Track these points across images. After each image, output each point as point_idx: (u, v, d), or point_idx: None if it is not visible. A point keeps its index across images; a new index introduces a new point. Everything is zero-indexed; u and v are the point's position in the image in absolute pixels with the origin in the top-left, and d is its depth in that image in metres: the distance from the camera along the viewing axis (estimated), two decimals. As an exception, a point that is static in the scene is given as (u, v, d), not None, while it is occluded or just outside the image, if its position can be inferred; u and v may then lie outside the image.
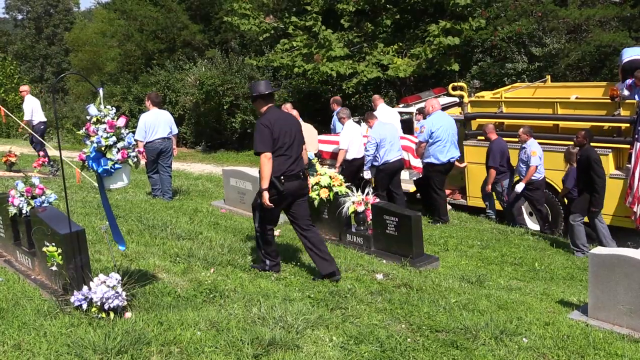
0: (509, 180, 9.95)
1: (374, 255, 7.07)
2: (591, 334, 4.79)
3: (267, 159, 5.49)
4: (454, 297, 5.52)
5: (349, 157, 10.03)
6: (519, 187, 9.52)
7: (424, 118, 10.11)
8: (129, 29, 29.86)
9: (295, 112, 9.93)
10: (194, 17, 30.64)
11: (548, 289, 6.48)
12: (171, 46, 29.23)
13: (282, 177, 5.58)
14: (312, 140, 10.06)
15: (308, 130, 9.97)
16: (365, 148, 9.74)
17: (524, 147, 9.45)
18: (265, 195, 5.52)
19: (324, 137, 11.47)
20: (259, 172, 5.66)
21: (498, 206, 10.27)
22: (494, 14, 17.74)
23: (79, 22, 57.11)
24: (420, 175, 10.40)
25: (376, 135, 9.55)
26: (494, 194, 10.22)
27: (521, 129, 9.55)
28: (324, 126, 21.68)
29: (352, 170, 9.97)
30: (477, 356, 4.23)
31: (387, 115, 10.95)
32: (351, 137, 10.03)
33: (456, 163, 10.07)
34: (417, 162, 10.44)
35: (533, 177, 9.41)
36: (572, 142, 9.40)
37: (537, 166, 9.35)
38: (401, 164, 9.93)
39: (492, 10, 17.74)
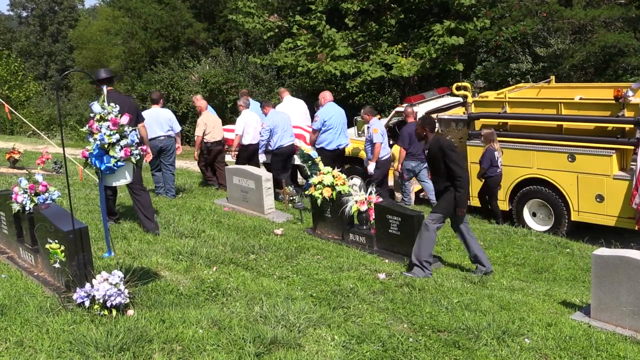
0: (416, 164, 10.55)
1: (376, 254, 7.07)
2: (593, 335, 4.78)
3: None
4: (456, 297, 5.51)
5: (245, 142, 10.86)
6: (371, 168, 10.02)
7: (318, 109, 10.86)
8: (133, 27, 29.92)
9: (202, 103, 11.23)
10: (198, 15, 30.70)
11: (551, 290, 6.47)
12: (175, 44, 29.28)
13: None
14: (218, 129, 11.07)
15: (213, 119, 11.14)
16: (260, 134, 10.67)
17: (368, 127, 10.05)
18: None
19: (227, 126, 12.26)
20: None
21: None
22: (498, 14, 17.71)
23: (83, 20, 57.32)
24: None
25: (269, 122, 10.50)
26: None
27: (362, 109, 10.32)
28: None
29: (246, 155, 10.93)
30: (479, 356, 4.22)
31: (292, 105, 11.78)
32: (245, 125, 10.83)
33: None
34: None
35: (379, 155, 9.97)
36: (575, 143, 9.41)
37: (381, 143, 9.86)
38: (293, 149, 10.72)
39: (496, 10, 17.72)
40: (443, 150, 6.46)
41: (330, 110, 10.38)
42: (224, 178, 10.70)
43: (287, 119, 10.73)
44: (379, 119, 12.43)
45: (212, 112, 11.75)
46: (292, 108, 11.51)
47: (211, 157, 11.06)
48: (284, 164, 10.65)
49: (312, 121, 11.22)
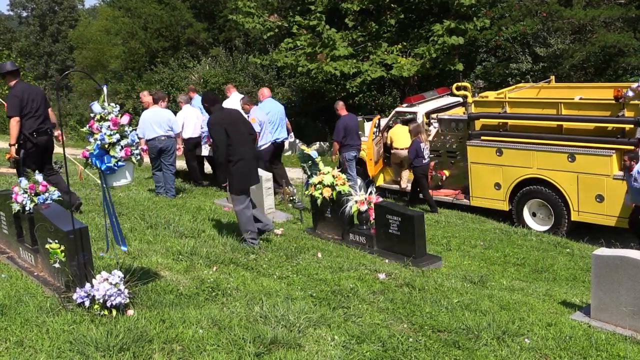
0: (356, 154, 11.05)
1: (376, 254, 7.07)
2: (593, 335, 4.78)
3: (15, 122, 7.03)
4: (456, 297, 5.51)
5: (185, 136, 11.17)
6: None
7: (256, 105, 11.12)
8: (133, 27, 29.93)
9: (148, 99, 10.65)
10: (198, 15, 30.71)
11: (551, 290, 6.47)
12: (175, 44, 29.30)
13: (34, 133, 7.09)
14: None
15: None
16: (202, 126, 11.04)
17: (248, 116, 10.04)
18: (13, 149, 7.10)
19: None
20: (10, 132, 7.15)
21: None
22: (498, 13, 17.72)
23: (83, 20, 57.31)
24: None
25: None
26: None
27: (241, 99, 10.66)
28: (328, 124, 21.67)
29: (188, 148, 11.39)
30: (479, 356, 4.22)
31: (237, 101, 11.96)
32: (185, 119, 11.25)
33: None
34: None
35: (262, 144, 10.13)
36: (575, 143, 9.41)
37: (259, 132, 9.93)
38: None
39: (496, 10, 17.74)
40: (208, 125, 6.93)
41: (268, 106, 10.73)
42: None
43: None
44: (379, 119, 12.43)
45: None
46: (236, 104, 11.64)
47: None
48: None
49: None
